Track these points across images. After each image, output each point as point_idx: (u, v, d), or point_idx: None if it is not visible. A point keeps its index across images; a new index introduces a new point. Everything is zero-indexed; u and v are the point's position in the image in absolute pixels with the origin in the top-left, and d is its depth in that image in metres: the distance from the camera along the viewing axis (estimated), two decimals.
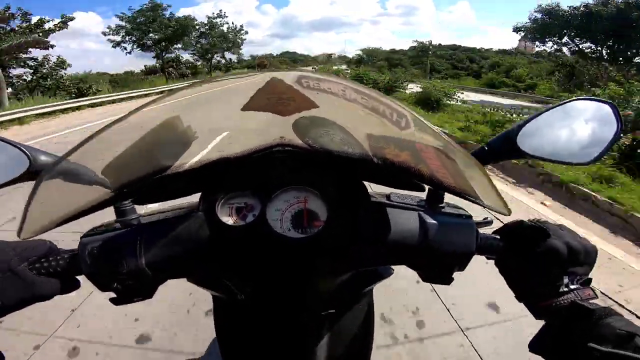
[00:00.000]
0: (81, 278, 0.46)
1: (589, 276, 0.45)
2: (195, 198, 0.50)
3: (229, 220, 0.46)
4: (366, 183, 0.51)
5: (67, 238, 0.46)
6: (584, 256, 0.45)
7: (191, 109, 0.40)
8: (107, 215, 0.49)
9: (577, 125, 0.54)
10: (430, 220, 0.47)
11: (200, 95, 0.35)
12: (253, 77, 0.37)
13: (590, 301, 0.41)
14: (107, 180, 0.40)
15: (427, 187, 0.52)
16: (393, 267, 0.59)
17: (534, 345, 0.44)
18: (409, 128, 0.34)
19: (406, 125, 0.34)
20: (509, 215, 0.40)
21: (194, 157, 0.44)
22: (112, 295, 0.45)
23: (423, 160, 0.39)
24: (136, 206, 0.50)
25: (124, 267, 0.43)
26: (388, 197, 0.52)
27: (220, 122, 0.45)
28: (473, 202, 0.41)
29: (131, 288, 0.45)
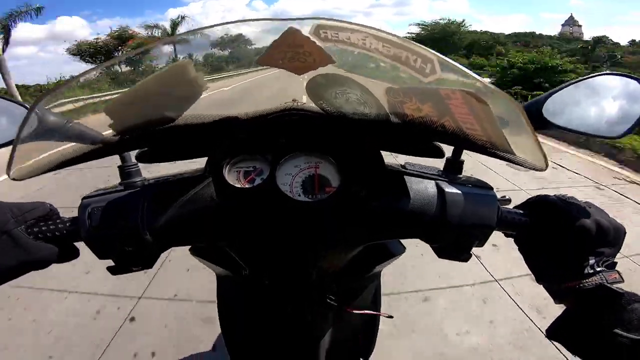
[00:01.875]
0: (81, 247, 0.44)
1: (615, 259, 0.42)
2: (201, 163, 0.48)
3: (237, 183, 0.45)
4: (383, 153, 0.48)
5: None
6: (613, 236, 0.42)
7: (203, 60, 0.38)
8: (114, 179, 0.48)
9: (603, 100, 0.52)
10: (449, 189, 0.44)
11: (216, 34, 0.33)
12: (270, 23, 0.35)
13: (616, 285, 0.39)
14: (108, 124, 0.38)
15: (445, 156, 0.49)
16: (405, 243, 0.56)
17: (554, 332, 0.41)
18: (435, 74, 0.32)
19: (431, 71, 0.32)
20: (545, 169, 0.37)
21: (202, 112, 0.42)
22: (110, 264, 0.43)
23: (449, 109, 0.36)
24: (142, 169, 0.48)
25: (125, 231, 0.41)
26: (404, 166, 0.50)
27: (233, 77, 0.44)
28: (502, 157, 0.38)
29: (131, 255, 0.42)
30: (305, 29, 0.35)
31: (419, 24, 44.75)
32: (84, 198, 0.43)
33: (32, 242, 0.39)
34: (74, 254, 0.44)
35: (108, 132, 0.39)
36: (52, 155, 0.38)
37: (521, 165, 0.41)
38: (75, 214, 0.42)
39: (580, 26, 65.63)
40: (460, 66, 0.31)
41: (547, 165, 0.37)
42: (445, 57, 0.31)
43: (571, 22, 65.92)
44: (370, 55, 0.34)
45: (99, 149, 0.39)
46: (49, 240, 0.41)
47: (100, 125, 0.39)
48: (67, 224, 0.42)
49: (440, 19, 42.78)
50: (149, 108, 0.39)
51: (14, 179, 0.38)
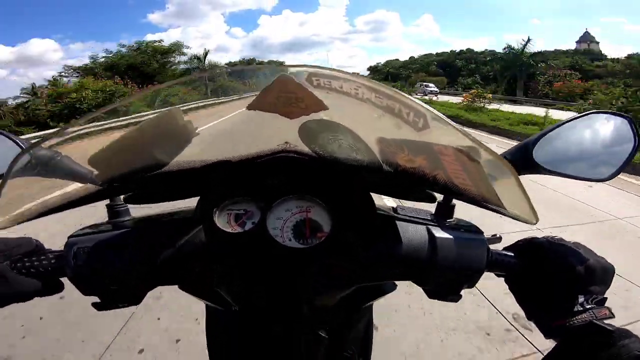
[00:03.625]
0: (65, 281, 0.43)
1: (605, 295, 0.43)
2: (192, 203, 0.47)
3: (227, 227, 0.44)
4: (373, 195, 0.48)
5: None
6: (602, 275, 0.43)
7: (194, 104, 0.38)
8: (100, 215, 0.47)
9: (594, 139, 0.52)
10: (439, 234, 0.45)
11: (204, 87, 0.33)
12: (260, 71, 0.35)
13: (606, 321, 0.39)
14: (95, 172, 0.37)
15: (437, 201, 0.49)
16: (397, 282, 0.56)
17: None
18: (427, 128, 0.32)
19: (424, 126, 0.32)
20: (535, 223, 0.37)
21: (192, 156, 0.41)
22: (95, 299, 0.42)
23: (441, 163, 0.36)
24: (131, 209, 0.48)
25: (111, 272, 0.41)
26: (395, 209, 0.50)
27: (224, 120, 0.43)
28: (492, 209, 0.38)
29: (117, 293, 0.42)
30: (298, 76, 0.35)
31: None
32: (70, 236, 0.42)
33: (16, 276, 0.40)
34: (58, 288, 0.44)
35: (92, 187, 0.38)
36: (38, 203, 0.38)
37: (512, 218, 0.41)
38: (57, 240, 0.42)
39: (597, 43, 59.03)
40: (452, 123, 0.31)
41: (537, 220, 0.37)
42: (438, 113, 0.31)
43: (587, 38, 60.71)
44: (363, 104, 0.34)
45: (86, 196, 0.38)
46: (33, 276, 0.41)
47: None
48: (52, 261, 0.42)
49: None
50: (136, 156, 0.38)
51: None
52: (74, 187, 0.38)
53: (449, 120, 0.30)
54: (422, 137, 0.33)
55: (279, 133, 0.44)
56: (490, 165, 0.35)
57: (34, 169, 0.36)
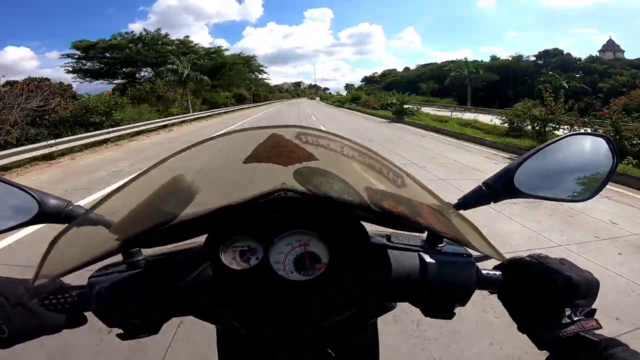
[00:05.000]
0: (88, 314, 0.48)
1: (592, 307, 0.45)
2: (201, 239, 0.51)
3: (233, 264, 0.47)
4: (367, 224, 0.52)
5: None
6: (586, 289, 0.45)
7: (195, 165, 0.42)
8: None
9: (574, 160, 0.54)
10: (430, 260, 0.48)
11: (204, 152, 0.37)
12: (253, 133, 0.38)
13: (594, 332, 0.42)
14: (119, 232, 0.42)
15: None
16: None
17: None
18: (405, 187, 0.35)
19: (402, 184, 0.35)
20: (505, 260, 0.41)
21: (198, 207, 0.45)
22: (119, 330, 0.47)
23: (420, 214, 0.40)
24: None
25: (129, 306, 0.45)
26: (389, 237, 0.53)
27: (223, 175, 0.47)
28: (472, 248, 0.42)
29: (137, 325, 0.47)
30: (288, 135, 0.38)
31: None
32: (90, 277, 0.47)
33: (44, 312, 0.44)
34: (82, 321, 0.48)
35: (115, 244, 0.42)
36: (73, 260, 0.41)
37: (485, 255, 0.45)
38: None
39: (623, 51, 57.39)
40: (423, 184, 0.34)
41: (503, 259, 0.41)
42: (412, 175, 0.34)
43: (611, 45, 57.92)
44: (349, 160, 0.37)
45: (115, 250, 0.43)
46: (60, 311, 0.46)
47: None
48: (76, 298, 0.47)
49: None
50: (150, 216, 0.42)
51: (35, 285, 0.42)
52: (98, 246, 0.42)
53: (420, 183, 0.34)
54: (402, 193, 0.36)
55: (274, 177, 0.47)
56: (457, 219, 0.39)
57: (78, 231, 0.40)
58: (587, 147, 0.55)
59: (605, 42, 59.68)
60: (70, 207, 0.50)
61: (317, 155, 0.40)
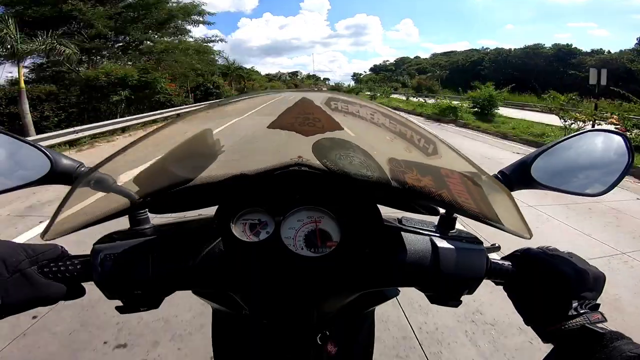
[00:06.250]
0: (87, 286, 0.46)
1: (597, 301, 0.46)
2: (210, 210, 0.50)
3: (243, 236, 0.47)
4: (379, 206, 0.51)
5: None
6: (593, 282, 0.46)
7: (222, 124, 0.41)
8: (122, 221, 0.50)
9: (590, 156, 0.55)
10: (441, 244, 0.48)
11: (233, 111, 0.36)
12: (287, 95, 0.38)
13: (599, 325, 0.42)
14: (128, 190, 0.41)
15: (440, 213, 0.53)
16: (400, 288, 0.59)
17: None
18: (436, 154, 0.35)
19: (433, 152, 0.35)
20: (530, 238, 0.41)
21: (212, 172, 0.44)
22: (119, 303, 0.45)
23: (446, 184, 0.39)
24: (150, 215, 0.51)
25: (135, 277, 0.44)
26: (400, 220, 0.53)
27: (244, 140, 0.46)
28: (492, 225, 0.41)
29: (139, 298, 0.45)
30: (318, 100, 0.38)
31: None
32: (95, 243, 0.45)
33: (43, 280, 0.42)
34: (81, 292, 0.46)
35: (133, 194, 0.41)
36: (81, 217, 0.41)
37: (509, 233, 0.44)
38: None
39: None
40: (458, 150, 0.34)
41: (531, 235, 0.40)
42: (446, 141, 0.34)
43: None
44: (377, 128, 0.37)
45: (122, 210, 0.41)
46: (59, 280, 0.43)
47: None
48: (78, 266, 0.44)
49: None
50: (171, 173, 0.41)
51: (45, 240, 0.40)
52: (107, 205, 0.41)
53: (455, 148, 0.34)
54: (431, 161, 0.36)
55: (293, 148, 0.46)
56: (489, 187, 0.38)
57: (91, 187, 0.40)
58: (603, 144, 0.56)
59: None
60: (82, 169, 0.48)
61: (343, 124, 0.39)
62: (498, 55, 52.33)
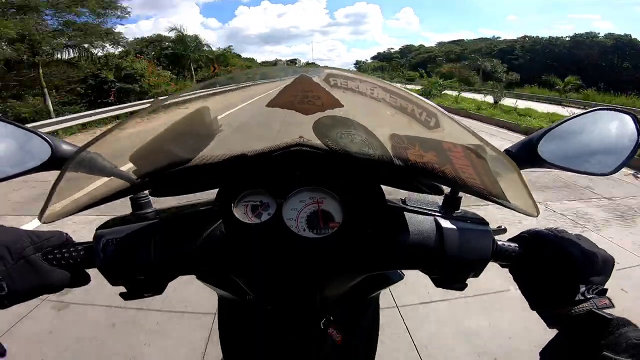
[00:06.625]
0: (91, 273, 0.46)
1: (605, 286, 0.45)
2: (211, 194, 0.50)
3: (245, 218, 0.46)
4: (383, 186, 0.50)
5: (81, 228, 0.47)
6: (601, 266, 0.45)
7: (219, 103, 0.40)
8: (125, 206, 0.50)
9: (598, 135, 0.54)
10: (447, 225, 0.47)
11: (230, 90, 0.35)
12: (285, 74, 0.37)
13: (606, 310, 0.41)
14: (133, 169, 0.40)
15: (444, 193, 0.51)
16: (404, 271, 0.59)
17: (546, 353, 0.43)
18: (438, 127, 0.34)
19: (435, 125, 0.34)
20: (537, 216, 0.40)
21: (213, 150, 0.44)
22: (122, 289, 0.45)
23: (449, 159, 0.38)
24: (152, 199, 0.50)
25: (137, 262, 0.43)
26: (404, 201, 0.52)
27: (245, 118, 0.46)
28: (497, 202, 0.40)
29: (142, 283, 0.45)
30: (316, 77, 0.37)
31: None
32: (98, 229, 0.45)
33: (47, 267, 0.42)
34: (86, 280, 0.46)
35: (131, 175, 0.41)
36: (80, 199, 0.40)
37: (514, 210, 0.43)
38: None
39: None
40: (461, 122, 0.33)
41: (538, 212, 0.39)
42: (448, 113, 0.33)
43: None
44: (378, 103, 0.36)
45: (117, 192, 0.41)
46: (63, 267, 0.43)
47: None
48: (81, 252, 0.44)
49: None
50: (169, 153, 0.41)
51: (43, 222, 0.40)
52: (105, 187, 0.41)
53: (458, 120, 0.33)
54: (433, 135, 0.35)
55: (293, 128, 0.46)
56: (495, 162, 0.37)
57: (84, 169, 0.39)
58: (612, 123, 0.54)
59: None
60: (101, 159, 0.48)
61: (343, 101, 0.39)
62: (534, 44, 48.67)
